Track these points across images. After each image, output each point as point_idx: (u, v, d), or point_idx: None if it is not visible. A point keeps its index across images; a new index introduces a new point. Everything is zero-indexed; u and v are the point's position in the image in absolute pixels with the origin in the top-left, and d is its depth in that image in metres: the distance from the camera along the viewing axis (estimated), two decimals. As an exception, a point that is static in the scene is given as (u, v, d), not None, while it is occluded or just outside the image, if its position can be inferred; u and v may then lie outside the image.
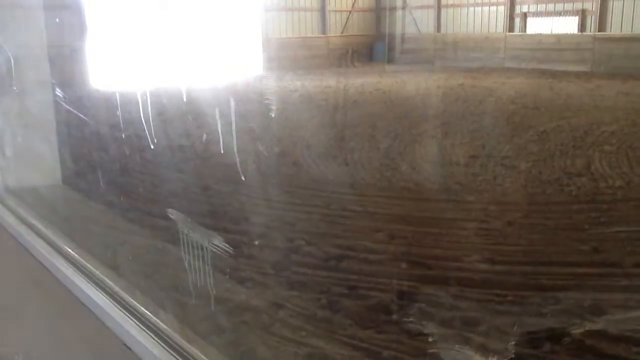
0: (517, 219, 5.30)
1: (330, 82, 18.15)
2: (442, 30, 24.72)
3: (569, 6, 20.55)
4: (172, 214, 5.07)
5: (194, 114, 11.84)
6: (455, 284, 4.11)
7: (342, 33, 25.76)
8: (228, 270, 4.34)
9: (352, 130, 9.99)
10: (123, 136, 8.98)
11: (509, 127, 9.96)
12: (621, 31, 19.26)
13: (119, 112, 12.10)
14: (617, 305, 3.67)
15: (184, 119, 10.69)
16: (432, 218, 5.45)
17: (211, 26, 21.52)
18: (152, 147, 8.53)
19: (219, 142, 9.10)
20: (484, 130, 9.62)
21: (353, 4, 25.98)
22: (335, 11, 25.37)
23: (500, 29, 22.61)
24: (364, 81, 18.07)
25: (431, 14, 24.87)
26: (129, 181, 6.99)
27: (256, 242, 4.84)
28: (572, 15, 20.47)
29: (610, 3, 19.45)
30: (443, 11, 24.62)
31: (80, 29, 14.98)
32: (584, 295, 3.81)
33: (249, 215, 5.53)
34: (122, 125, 9.93)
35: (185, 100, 14.33)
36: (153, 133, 8.73)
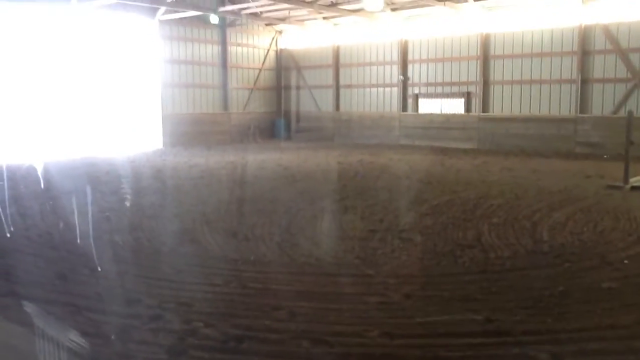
0: (414, 292, 5.41)
1: (231, 157, 18.19)
2: (341, 108, 25.80)
3: (455, 89, 22.27)
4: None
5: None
6: (357, 361, 4.08)
7: (244, 110, 26.18)
8: (119, 356, 4.06)
9: (254, 205, 9.97)
10: None
11: (405, 201, 10.35)
12: (502, 112, 21.04)
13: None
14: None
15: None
16: (333, 293, 5.43)
17: (110, 100, 21.18)
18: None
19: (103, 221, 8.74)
20: (381, 204, 9.92)
21: (255, 82, 26.63)
22: (237, 89, 25.86)
23: (395, 108, 23.95)
24: (265, 157, 18.28)
25: (330, 93, 25.98)
26: None
27: (149, 326, 4.57)
28: (459, 97, 22.16)
29: (492, 87, 21.31)
30: (341, 91, 25.81)
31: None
32: (479, 365, 3.90)
33: (142, 296, 5.24)
34: None
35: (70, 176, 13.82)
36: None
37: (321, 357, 4.10)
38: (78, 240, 7.34)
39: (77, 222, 8.39)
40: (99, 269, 6.16)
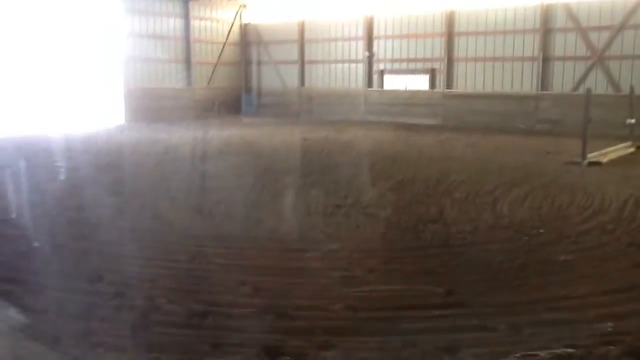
0: (378, 266, 5.49)
1: (196, 133, 17.96)
2: (306, 84, 25.66)
3: (420, 65, 22.36)
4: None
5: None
6: (321, 334, 4.12)
7: (208, 85, 25.79)
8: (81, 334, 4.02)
9: (218, 181, 9.90)
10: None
11: (370, 177, 10.43)
12: (465, 89, 21.26)
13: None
14: (470, 345, 3.87)
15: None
16: (297, 268, 5.47)
17: (71, 75, 20.55)
18: None
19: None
20: (347, 181, 9.97)
21: (219, 57, 26.20)
22: (201, 63, 25.42)
23: (360, 84, 23.94)
24: (230, 133, 18.13)
25: (295, 69, 25.78)
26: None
27: (112, 303, 4.53)
28: (424, 74, 22.27)
29: (456, 64, 21.47)
30: (307, 67, 25.63)
31: None
32: (439, 336, 3.99)
33: (104, 273, 5.18)
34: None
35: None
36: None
37: (285, 331, 4.14)
38: (38, 219, 7.19)
39: (37, 200, 8.20)
40: (61, 247, 6.06)
